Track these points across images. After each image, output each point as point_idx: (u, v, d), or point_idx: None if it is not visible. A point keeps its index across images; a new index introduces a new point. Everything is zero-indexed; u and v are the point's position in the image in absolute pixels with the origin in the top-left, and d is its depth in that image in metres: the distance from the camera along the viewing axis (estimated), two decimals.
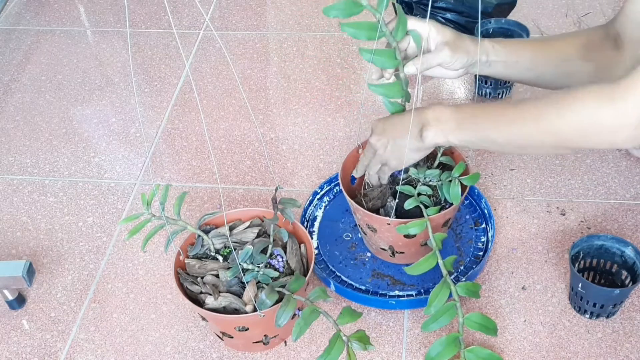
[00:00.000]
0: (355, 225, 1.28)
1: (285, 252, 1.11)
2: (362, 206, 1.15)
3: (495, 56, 1.06)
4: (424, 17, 1.67)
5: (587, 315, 1.15)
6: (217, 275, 1.09)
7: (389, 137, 1.05)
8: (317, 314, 0.97)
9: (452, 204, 1.12)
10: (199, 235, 1.11)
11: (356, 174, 1.15)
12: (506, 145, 0.97)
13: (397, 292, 1.19)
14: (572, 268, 1.11)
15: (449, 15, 1.68)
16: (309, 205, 1.33)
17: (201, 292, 1.07)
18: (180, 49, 1.81)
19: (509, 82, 1.53)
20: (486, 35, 1.55)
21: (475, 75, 1.56)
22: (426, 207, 1.10)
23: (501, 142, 0.96)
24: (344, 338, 0.95)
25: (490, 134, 0.96)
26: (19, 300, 1.23)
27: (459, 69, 1.05)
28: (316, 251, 1.27)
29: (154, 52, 1.80)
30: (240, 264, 1.06)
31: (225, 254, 1.12)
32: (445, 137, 1.00)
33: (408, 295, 1.19)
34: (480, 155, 1.44)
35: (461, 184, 1.10)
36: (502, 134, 0.96)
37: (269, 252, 1.10)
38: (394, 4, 1.07)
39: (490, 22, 1.56)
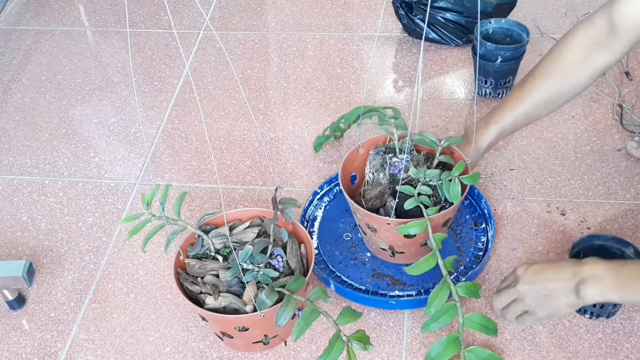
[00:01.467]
0: (355, 225, 1.28)
1: (285, 252, 1.11)
2: (362, 206, 1.15)
3: (512, 125, 1.20)
4: (424, 17, 1.67)
5: (587, 315, 1.15)
6: (217, 275, 1.09)
7: (540, 287, 1.00)
8: (317, 314, 0.97)
9: (452, 204, 1.12)
10: (199, 235, 1.11)
11: (496, 304, 1.07)
12: None
13: (397, 292, 1.19)
14: None
15: (448, 15, 1.68)
16: (309, 205, 1.34)
17: (201, 292, 1.07)
18: (180, 49, 1.81)
19: (509, 82, 1.53)
20: (486, 35, 1.55)
21: (475, 76, 1.56)
22: (426, 207, 1.10)
23: None
24: (344, 338, 0.95)
25: None
26: (19, 300, 1.23)
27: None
28: (316, 251, 1.27)
29: (154, 52, 1.80)
30: (240, 264, 1.06)
31: (225, 254, 1.12)
32: (605, 295, 0.96)
33: (408, 295, 1.19)
34: None
35: (461, 183, 1.10)
36: None
37: (269, 252, 1.10)
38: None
39: (490, 22, 1.56)
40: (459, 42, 1.70)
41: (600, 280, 0.95)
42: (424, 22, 1.68)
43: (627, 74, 1.59)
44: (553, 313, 1.01)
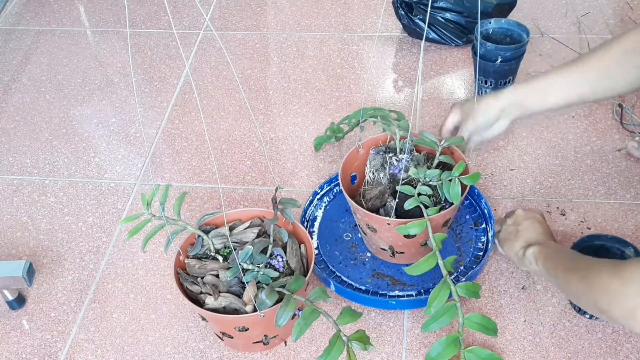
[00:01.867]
0: (355, 225, 1.28)
1: (285, 252, 1.11)
2: (362, 206, 1.15)
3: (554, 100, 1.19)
4: (424, 17, 1.67)
5: (587, 316, 1.15)
6: (217, 276, 1.09)
7: (521, 225, 1.15)
8: (317, 314, 0.97)
9: (452, 204, 1.12)
10: (199, 236, 1.11)
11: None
12: (565, 291, 1.02)
13: (397, 292, 1.19)
14: None
15: (448, 15, 1.68)
16: (309, 205, 1.33)
17: (201, 292, 1.07)
18: (180, 49, 1.81)
19: (509, 82, 1.53)
20: (486, 35, 1.55)
21: (475, 76, 1.56)
22: (426, 207, 1.10)
23: (564, 287, 1.01)
24: (344, 338, 0.95)
25: (559, 279, 1.01)
26: (19, 300, 1.23)
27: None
28: (316, 251, 1.27)
29: (154, 52, 1.80)
30: (240, 264, 1.05)
31: (225, 254, 1.12)
32: (536, 259, 1.07)
33: (408, 296, 1.19)
34: (480, 156, 1.44)
35: (461, 183, 1.10)
36: (565, 285, 0.99)
37: (269, 252, 1.10)
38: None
39: (490, 22, 1.56)
40: (459, 42, 1.70)
41: (541, 248, 1.07)
42: (424, 22, 1.68)
43: None
44: (507, 247, 1.15)
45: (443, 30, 1.69)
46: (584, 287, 0.92)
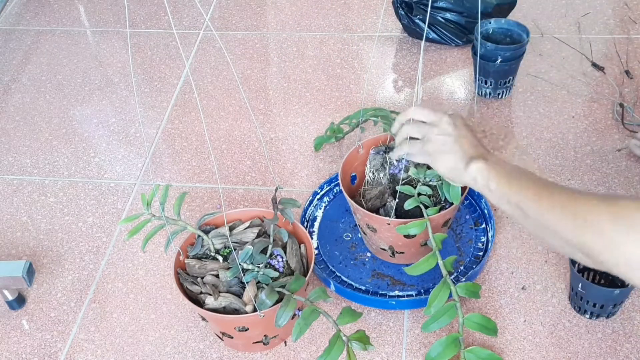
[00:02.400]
0: (355, 225, 1.28)
1: (285, 252, 1.11)
2: (362, 206, 1.15)
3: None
4: (424, 17, 1.67)
5: (587, 316, 1.15)
6: (217, 276, 1.09)
7: (453, 135, 0.97)
8: (317, 314, 0.97)
9: (452, 204, 1.12)
10: (199, 236, 1.11)
11: (393, 128, 1.07)
12: (531, 222, 0.85)
13: (397, 292, 1.19)
14: (572, 268, 1.11)
15: (448, 15, 1.68)
16: (309, 205, 1.33)
17: (201, 292, 1.07)
18: (180, 49, 1.81)
19: (509, 82, 1.53)
20: (486, 35, 1.55)
21: (475, 76, 1.56)
22: (426, 207, 1.10)
23: (530, 216, 0.85)
24: (344, 338, 0.95)
25: (526, 204, 0.85)
26: (19, 300, 1.23)
27: None
28: (316, 251, 1.27)
29: (154, 52, 1.80)
30: (240, 264, 1.06)
31: (225, 254, 1.12)
32: (487, 178, 0.91)
33: (408, 296, 1.19)
34: None
35: None
36: (536, 212, 0.83)
37: (269, 252, 1.10)
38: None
39: (490, 22, 1.56)
40: (459, 42, 1.70)
41: (495, 166, 0.92)
42: (424, 22, 1.68)
43: (627, 72, 1.59)
44: (435, 159, 0.99)
45: (443, 31, 1.69)
46: (569, 223, 0.77)
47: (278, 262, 1.09)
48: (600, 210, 0.74)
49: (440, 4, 1.67)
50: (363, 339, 0.96)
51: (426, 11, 1.67)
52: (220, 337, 1.13)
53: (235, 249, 1.09)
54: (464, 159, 0.95)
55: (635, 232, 0.70)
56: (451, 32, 1.69)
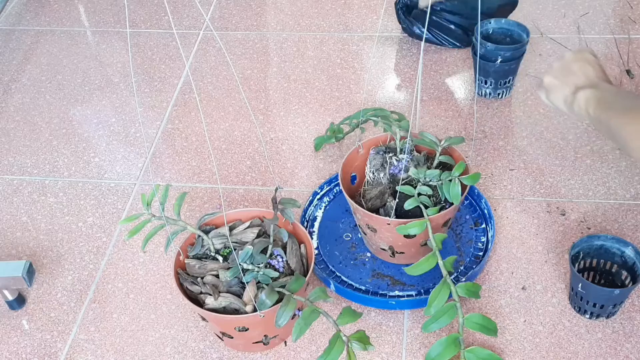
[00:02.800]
0: (355, 225, 1.28)
1: (285, 252, 1.11)
2: (362, 206, 1.15)
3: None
4: (424, 19, 1.67)
5: (587, 316, 1.15)
6: (217, 276, 1.09)
7: (566, 67, 1.05)
8: (317, 314, 0.97)
9: (452, 204, 1.12)
10: (199, 236, 1.11)
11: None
12: (615, 141, 0.94)
13: (397, 292, 1.19)
14: (572, 268, 1.11)
15: (449, 16, 1.67)
16: (309, 205, 1.33)
17: (201, 293, 1.07)
18: (180, 49, 1.81)
19: (509, 82, 1.53)
20: (486, 35, 1.55)
21: (475, 76, 1.56)
22: (426, 207, 1.10)
23: (618, 135, 0.91)
24: (344, 338, 0.95)
25: (612, 127, 0.92)
26: (19, 300, 1.23)
27: None
28: (316, 251, 1.27)
29: (154, 52, 1.80)
30: (240, 264, 1.06)
31: (225, 254, 1.12)
32: (586, 105, 0.97)
33: (408, 296, 1.19)
34: (480, 156, 1.44)
35: (461, 183, 1.10)
36: (621, 132, 0.90)
37: (269, 252, 1.10)
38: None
39: (490, 22, 1.56)
40: (460, 45, 1.70)
41: (597, 92, 0.97)
42: (424, 25, 1.67)
43: (628, 72, 1.59)
44: (556, 98, 1.05)
45: (444, 35, 1.69)
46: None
47: (278, 262, 1.09)
48: None
49: (442, 6, 1.67)
50: (363, 339, 0.96)
51: (426, 13, 1.66)
52: (220, 337, 1.13)
53: (235, 249, 1.09)
54: (573, 90, 1.00)
55: None
56: (453, 36, 1.69)
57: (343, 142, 1.48)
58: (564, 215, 1.31)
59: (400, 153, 1.19)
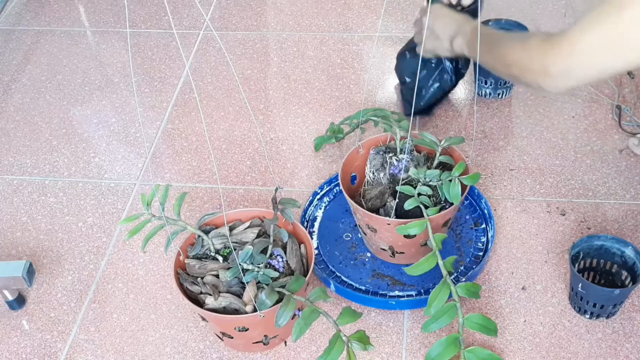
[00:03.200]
0: (355, 225, 1.28)
1: (285, 252, 1.11)
2: (362, 206, 1.15)
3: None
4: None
5: (587, 316, 1.15)
6: (217, 276, 1.09)
7: (435, 29, 1.31)
8: (317, 314, 0.97)
9: (452, 204, 1.12)
10: (199, 236, 1.11)
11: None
12: (487, 64, 1.18)
13: (397, 293, 1.19)
14: (572, 268, 1.11)
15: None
16: (309, 205, 1.33)
17: (201, 293, 1.07)
18: (180, 49, 1.81)
19: (509, 82, 1.53)
20: None
21: (475, 76, 1.56)
22: (426, 207, 1.10)
23: (486, 63, 1.18)
24: (344, 338, 0.95)
25: (485, 50, 1.16)
26: (19, 300, 1.23)
27: None
28: (316, 251, 1.27)
29: (154, 52, 1.80)
30: (240, 264, 1.06)
31: (225, 254, 1.12)
32: (462, 48, 1.26)
33: (408, 296, 1.19)
34: (481, 156, 1.44)
35: (461, 183, 1.10)
36: (486, 58, 1.17)
37: (269, 252, 1.10)
38: None
39: (490, 22, 1.56)
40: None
41: (464, 36, 1.25)
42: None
43: (628, 72, 1.59)
44: (434, 49, 1.34)
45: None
46: (498, 50, 1.11)
47: (278, 262, 1.09)
48: (514, 46, 1.08)
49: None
50: (363, 339, 0.96)
51: None
52: (220, 337, 1.13)
53: (235, 249, 1.09)
54: (449, 41, 1.29)
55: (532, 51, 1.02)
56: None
57: (343, 142, 1.48)
58: (564, 215, 1.31)
59: (400, 153, 1.19)
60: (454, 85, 1.47)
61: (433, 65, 1.43)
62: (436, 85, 1.45)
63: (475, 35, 1.18)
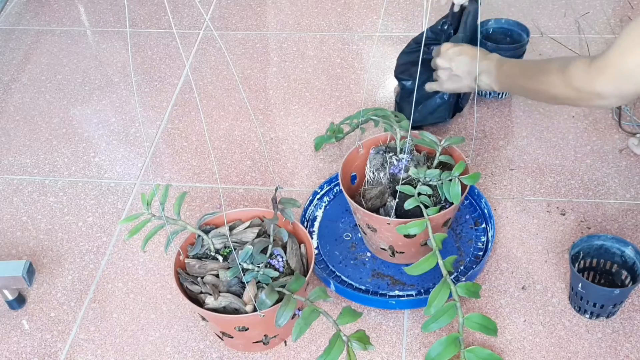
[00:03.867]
0: (355, 225, 1.28)
1: (285, 252, 1.11)
2: (362, 206, 1.15)
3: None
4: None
5: (587, 315, 1.15)
6: (217, 275, 1.09)
7: (453, 67, 1.30)
8: (317, 314, 0.97)
9: (452, 204, 1.12)
10: (199, 235, 1.11)
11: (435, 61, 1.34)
12: (527, 97, 1.28)
13: (397, 292, 1.19)
14: (572, 268, 1.11)
15: None
16: (309, 205, 1.33)
17: (201, 292, 1.07)
18: (180, 49, 1.81)
19: None
20: (486, 35, 1.55)
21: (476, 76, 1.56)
22: (426, 207, 1.10)
23: (525, 96, 1.26)
24: (344, 338, 0.95)
25: (520, 86, 1.21)
26: (19, 300, 1.23)
27: None
28: (316, 251, 1.27)
29: (154, 52, 1.80)
30: (240, 264, 1.06)
31: (225, 254, 1.12)
32: (491, 86, 1.26)
33: (408, 295, 1.19)
34: (480, 155, 1.44)
35: (461, 183, 1.10)
36: (524, 93, 1.24)
37: (269, 252, 1.10)
38: None
39: (490, 22, 1.56)
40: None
41: (490, 74, 1.24)
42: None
43: None
44: (458, 88, 1.33)
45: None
46: (537, 86, 1.14)
47: (278, 262, 1.09)
48: (550, 70, 1.11)
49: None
50: (363, 339, 0.96)
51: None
52: (220, 337, 1.13)
53: (235, 249, 1.09)
54: (473, 79, 1.27)
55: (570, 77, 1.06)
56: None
57: (343, 142, 1.48)
58: (564, 215, 1.31)
59: (401, 153, 1.19)
60: (448, 119, 1.46)
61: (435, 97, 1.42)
62: (433, 115, 1.44)
63: (502, 71, 1.22)
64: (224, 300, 1.05)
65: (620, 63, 0.98)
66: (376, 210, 1.16)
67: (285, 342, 1.16)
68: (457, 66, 1.29)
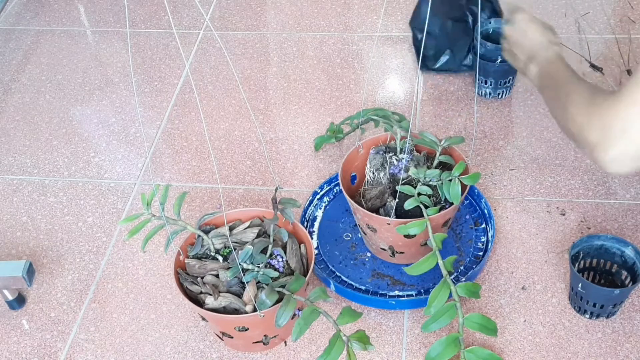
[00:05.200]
0: (355, 225, 1.28)
1: (285, 252, 1.11)
2: (362, 206, 1.15)
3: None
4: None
5: (587, 315, 1.15)
6: (217, 275, 1.09)
7: (517, 41, 1.22)
8: (317, 314, 0.97)
9: (452, 204, 1.12)
10: (199, 235, 1.11)
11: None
12: (550, 112, 1.13)
13: (397, 292, 1.19)
14: (572, 268, 1.11)
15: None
16: (309, 205, 1.33)
17: (201, 292, 1.07)
18: (180, 49, 1.81)
19: (509, 82, 1.53)
20: (486, 35, 1.55)
21: (475, 76, 1.56)
22: (426, 207, 1.10)
23: (547, 104, 1.12)
24: (344, 338, 0.95)
25: (544, 95, 1.13)
26: (19, 300, 1.23)
27: None
28: (316, 251, 1.27)
29: (154, 52, 1.80)
30: (240, 264, 1.06)
31: (225, 254, 1.12)
32: (534, 79, 1.16)
33: (408, 295, 1.19)
34: (480, 155, 1.44)
35: (461, 183, 1.10)
36: (548, 101, 1.12)
37: (269, 252, 1.10)
38: None
39: (490, 22, 1.56)
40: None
41: (537, 65, 1.14)
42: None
43: (628, 72, 1.59)
44: (512, 63, 1.24)
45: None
46: (562, 110, 1.06)
47: (278, 262, 1.09)
48: (580, 100, 1.01)
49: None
50: (363, 339, 0.96)
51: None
52: (220, 337, 1.13)
53: (235, 249, 1.09)
54: (525, 61, 1.18)
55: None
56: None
57: (343, 142, 1.48)
58: (564, 215, 1.31)
59: (400, 153, 1.19)
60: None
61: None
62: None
63: (546, 69, 1.12)
64: (224, 300, 1.05)
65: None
66: (376, 211, 1.16)
67: (285, 342, 1.16)
68: (520, 46, 1.20)
